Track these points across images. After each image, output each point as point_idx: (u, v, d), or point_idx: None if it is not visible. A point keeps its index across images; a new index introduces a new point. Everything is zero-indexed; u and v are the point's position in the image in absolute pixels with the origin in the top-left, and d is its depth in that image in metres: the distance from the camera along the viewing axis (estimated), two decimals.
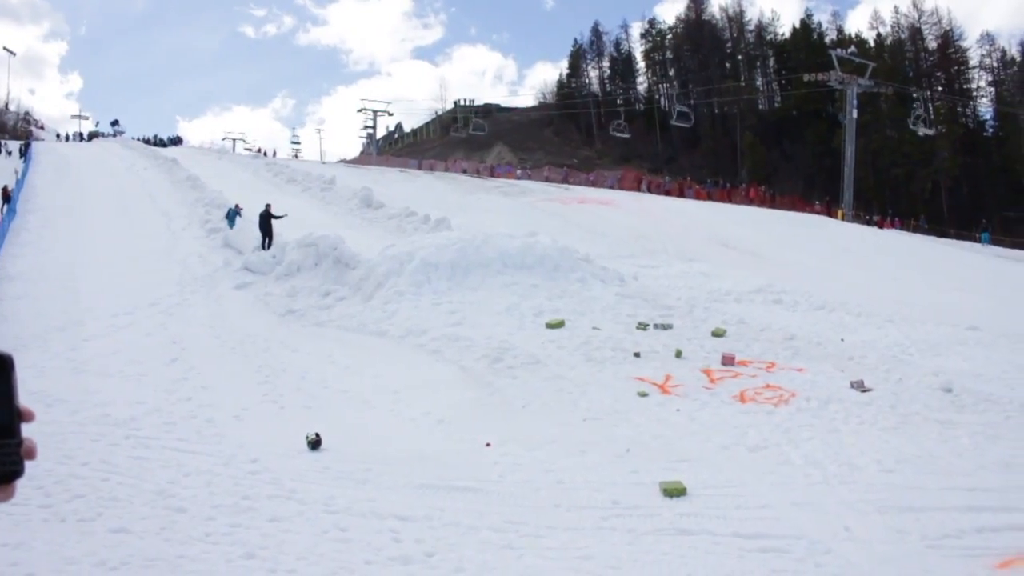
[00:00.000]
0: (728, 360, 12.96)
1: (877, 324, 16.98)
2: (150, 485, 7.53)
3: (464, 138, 76.97)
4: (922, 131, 56.24)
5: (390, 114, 75.00)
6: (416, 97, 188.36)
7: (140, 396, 10.86)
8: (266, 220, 21.00)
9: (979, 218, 63.08)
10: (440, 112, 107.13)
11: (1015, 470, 8.65)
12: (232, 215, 23.52)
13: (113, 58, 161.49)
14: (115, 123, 76.35)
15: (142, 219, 25.72)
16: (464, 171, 58.66)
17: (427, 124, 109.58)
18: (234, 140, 79.01)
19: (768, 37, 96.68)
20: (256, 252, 20.18)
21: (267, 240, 20.82)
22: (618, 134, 61.33)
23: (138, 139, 62.58)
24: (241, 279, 18.54)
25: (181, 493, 7.38)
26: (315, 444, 8.93)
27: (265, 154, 64.86)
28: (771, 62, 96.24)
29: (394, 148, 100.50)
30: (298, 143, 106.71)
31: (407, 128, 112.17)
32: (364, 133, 74.66)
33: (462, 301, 15.92)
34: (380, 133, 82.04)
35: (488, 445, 9.18)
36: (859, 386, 11.86)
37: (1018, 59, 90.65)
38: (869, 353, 14.31)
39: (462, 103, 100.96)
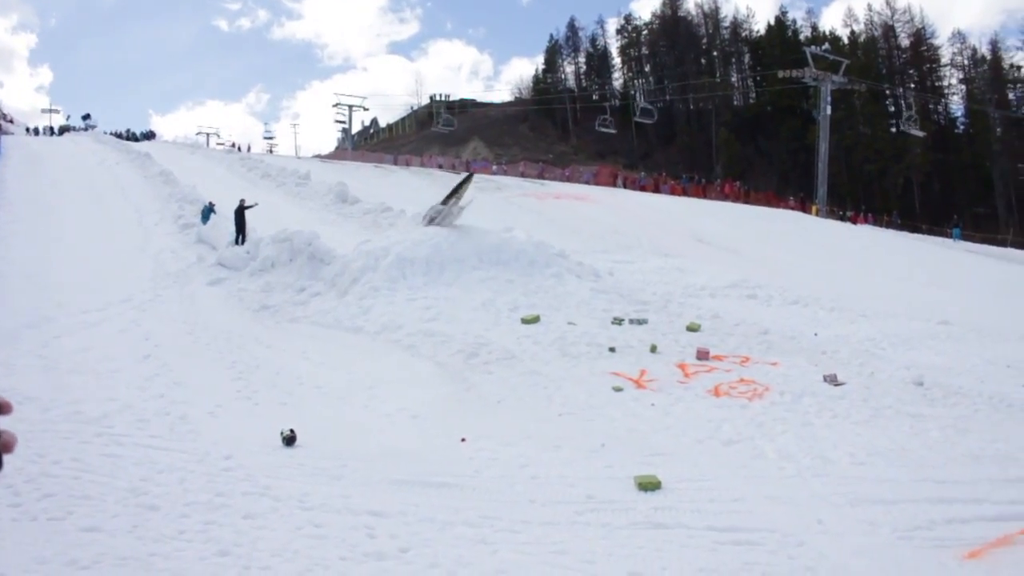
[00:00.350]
0: (703, 354, 13.03)
1: (850, 319, 17.14)
2: (122, 483, 7.46)
3: (439, 133, 76.67)
4: (913, 131, 56.76)
5: (365, 109, 74.62)
6: (392, 92, 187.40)
7: (112, 393, 10.74)
8: (240, 215, 20.85)
9: (950, 214, 63.73)
10: (416, 107, 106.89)
11: (983, 462, 8.78)
12: (207, 211, 23.34)
13: (84, 51, 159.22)
14: (86, 117, 75.35)
15: (114, 214, 25.43)
16: (440, 166, 58.55)
17: (403, 119, 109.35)
18: (208, 135, 78.21)
19: (743, 34, 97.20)
20: (230, 248, 20.03)
21: (241, 236, 20.67)
22: (604, 129, 61.37)
23: (110, 133, 61.70)
24: (215, 275, 18.40)
25: (154, 491, 7.31)
26: (290, 440, 8.89)
27: (239, 149, 64.34)
28: (746, 58, 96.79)
29: (369, 143, 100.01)
30: (271, 137, 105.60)
31: (383, 123, 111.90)
32: (339, 128, 74.23)
33: (437, 296, 15.89)
34: (355, 128, 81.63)
35: (463, 440, 9.18)
36: (832, 380, 11.96)
37: (988, 58, 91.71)
38: (842, 347, 14.45)
39: (438, 98, 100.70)
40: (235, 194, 23.94)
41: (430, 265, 17.16)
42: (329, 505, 7.19)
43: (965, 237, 52.40)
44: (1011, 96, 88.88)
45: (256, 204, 21.75)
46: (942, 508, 7.28)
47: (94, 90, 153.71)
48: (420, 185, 42.19)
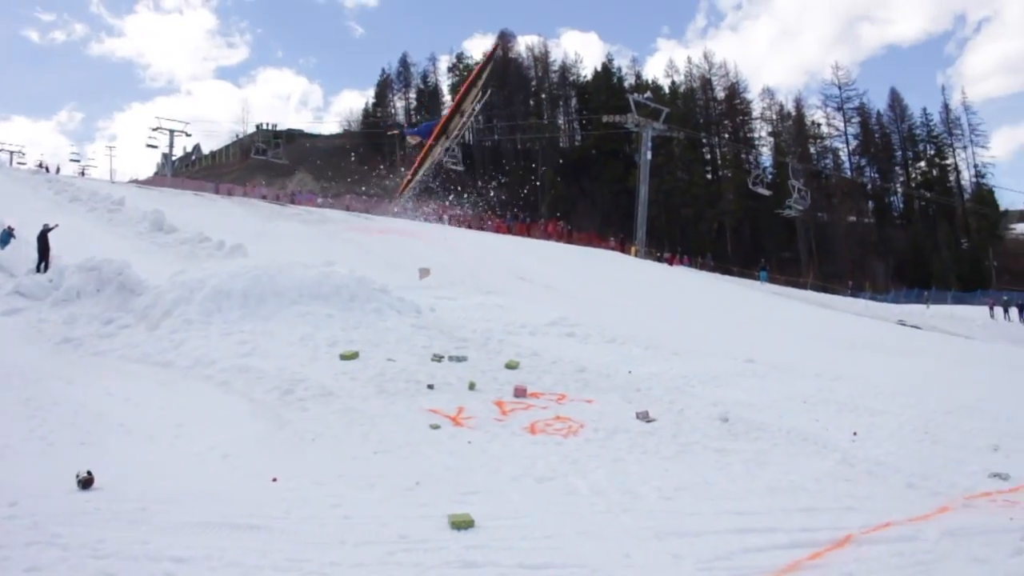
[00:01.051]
0: (520, 392, 13.19)
1: (664, 357, 17.77)
2: None
3: (265, 163, 75.06)
4: (760, 190, 59.44)
5: (188, 134, 72.13)
6: (217, 118, 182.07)
7: None
8: (43, 240, 19.68)
9: (759, 258, 67.51)
10: (241, 135, 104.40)
11: (780, 493, 9.25)
12: (5, 236, 21.91)
13: None
14: None
15: None
16: (264, 197, 57.32)
17: (227, 147, 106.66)
18: (11, 153, 73.70)
19: (571, 78, 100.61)
20: (30, 275, 18.83)
21: (44, 262, 19.49)
22: (452, 167, 61.77)
23: None
24: (11, 304, 17.20)
25: None
26: (86, 483, 8.34)
27: (47, 169, 60.80)
28: (573, 102, 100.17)
29: (191, 170, 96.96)
30: (78, 159, 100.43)
31: (206, 150, 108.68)
32: (159, 153, 71.49)
33: (254, 331, 15.46)
34: (177, 154, 78.74)
35: (275, 480, 8.90)
36: (644, 417, 12.34)
37: (793, 114, 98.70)
38: (655, 385, 14.95)
39: (265, 127, 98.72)
40: (39, 218, 22.58)
41: (248, 298, 16.70)
42: (125, 552, 6.77)
43: (771, 279, 55.66)
44: (812, 150, 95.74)
45: (56, 225, 20.57)
46: (741, 538, 7.58)
47: None
48: (242, 215, 41.13)
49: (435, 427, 11.18)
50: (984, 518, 8.69)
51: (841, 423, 13.52)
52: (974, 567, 7.01)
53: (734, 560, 7.12)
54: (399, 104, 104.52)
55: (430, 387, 13.16)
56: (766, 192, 62.75)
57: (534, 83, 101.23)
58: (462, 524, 7.60)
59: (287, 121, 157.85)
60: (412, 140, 14.94)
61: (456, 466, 9.71)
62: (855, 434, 12.66)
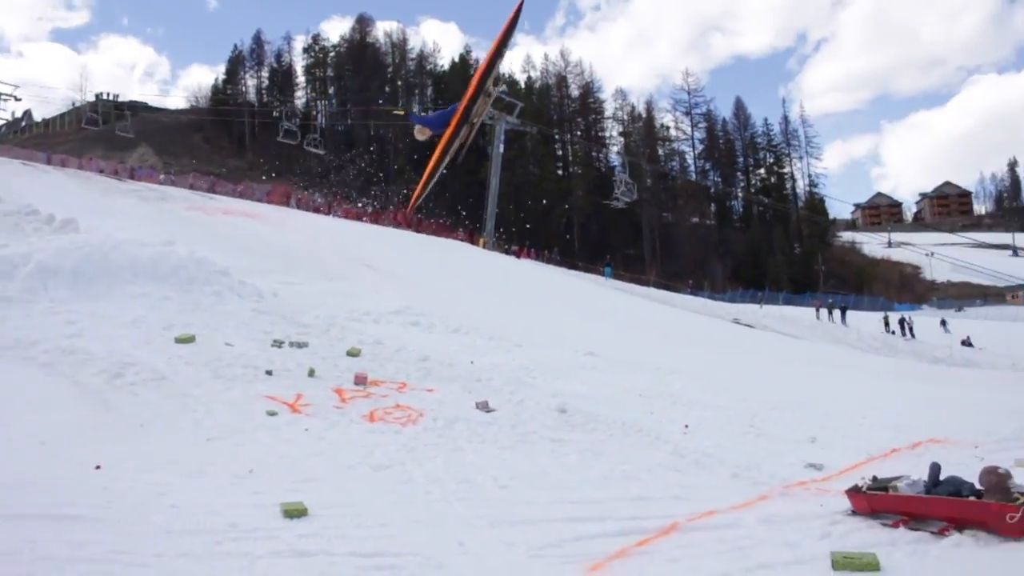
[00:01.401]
0: (361, 379, 13.07)
1: (507, 348, 17.97)
2: None
3: (103, 135, 71.54)
4: (625, 199, 59.38)
5: (17, 99, 67.90)
6: (52, 84, 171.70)
7: None
8: None
9: (604, 254, 69.16)
10: (78, 104, 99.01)
11: (612, 483, 9.52)
12: None
13: None
14: None
15: None
16: (101, 171, 54.61)
17: (62, 115, 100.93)
18: None
19: (428, 67, 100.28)
20: None
21: None
22: (312, 149, 60.34)
23: None
24: None
25: None
26: None
27: None
28: (429, 91, 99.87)
29: (19, 138, 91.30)
30: None
31: (37, 117, 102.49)
32: None
33: (83, 311, 14.69)
34: (5, 118, 74.04)
35: (98, 468, 8.49)
36: (484, 407, 12.46)
37: (643, 116, 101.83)
38: (496, 375, 15.10)
39: (105, 97, 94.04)
40: None
41: (78, 277, 15.87)
42: None
43: (616, 276, 57.09)
44: (660, 152, 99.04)
45: None
46: (573, 526, 7.75)
47: None
48: (76, 188, 39.06)
49: (272, 414, 10.93)
50: (798, 505, 9.19)
51: (674, 416, 14.03)
52: (786, 551, 7.40)
53: (565, 548, 7.27)
54: (251, 83, 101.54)
55: (269, 373, 12.85)
56: (632, 198, 62.73)
57: (391, 70, 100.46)
58: (295, 512, 7.47)
59: (130, 92, 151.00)
60: (421, 135, 12.04)
61: (292, 454, 9.52)
62: (686, 427, 13.15)
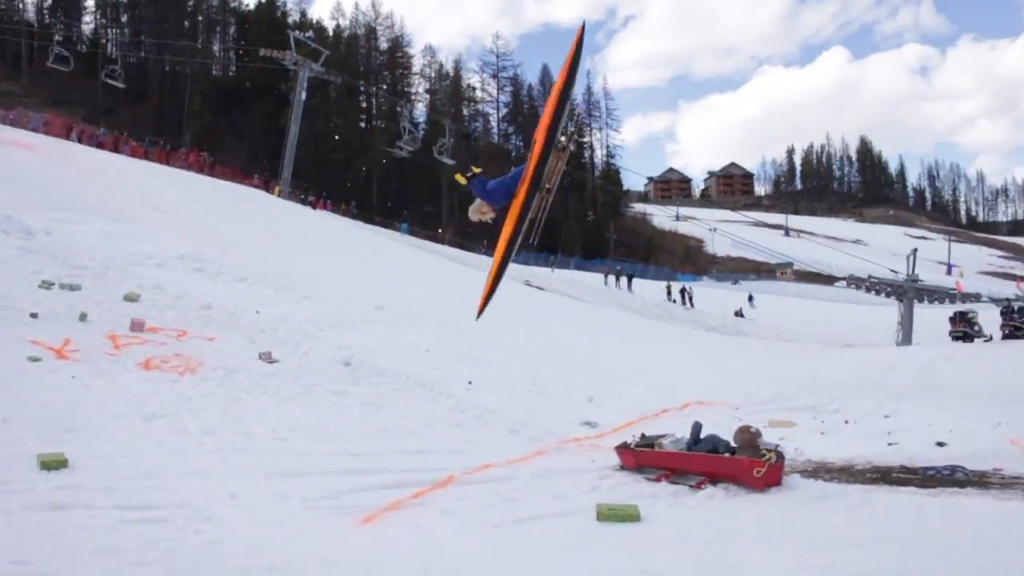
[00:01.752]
0: (138, 326, 12.43)
1: (294, 299, 17.63)
2: None
3: None
4: (444, 159, 57.39)
5: None
6: None
7: None
8: None
9: (402, 210, 69.01)
10: None
11: (392, 436, 9.65)
12: None
13: None
14: None
15: None
16: None
17: None
18: None
19: (232, 5, 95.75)
20: None
21: None
22: (111, 81, 56.07)
23: None
24: None
25: None
26: None
27: None
28: (232, 30, 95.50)
29: None
30: None
31: None
32: None
33: None
34: None
35: None
36: (267, 357, 12.23)
37: (451, 74, 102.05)
38: (281, 326, 14.82)
39: None
40: None
41: None
42: None
43: (411, 232, 57.13)
44: (465, 112, 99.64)
45: None
46: (349, 479, 7.79)
47: None
48: None
49: (34, 359, 10.17)
50: (571, 460, 9.65)
51: (459, 372, 14.31)
52: (556, 503, 7.78)
53: (340, 500, 7.31)
54: (30, 0, 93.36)
55: (34, 316, 11.95)
56: (449, 162, 60.14)
57: (191, 4, 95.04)
58: (53, 464, 7.05)
59: None
60: (480, 215, 9.37)
61: (54, 402, 8.92)
62: (470, 383, 13.46)
